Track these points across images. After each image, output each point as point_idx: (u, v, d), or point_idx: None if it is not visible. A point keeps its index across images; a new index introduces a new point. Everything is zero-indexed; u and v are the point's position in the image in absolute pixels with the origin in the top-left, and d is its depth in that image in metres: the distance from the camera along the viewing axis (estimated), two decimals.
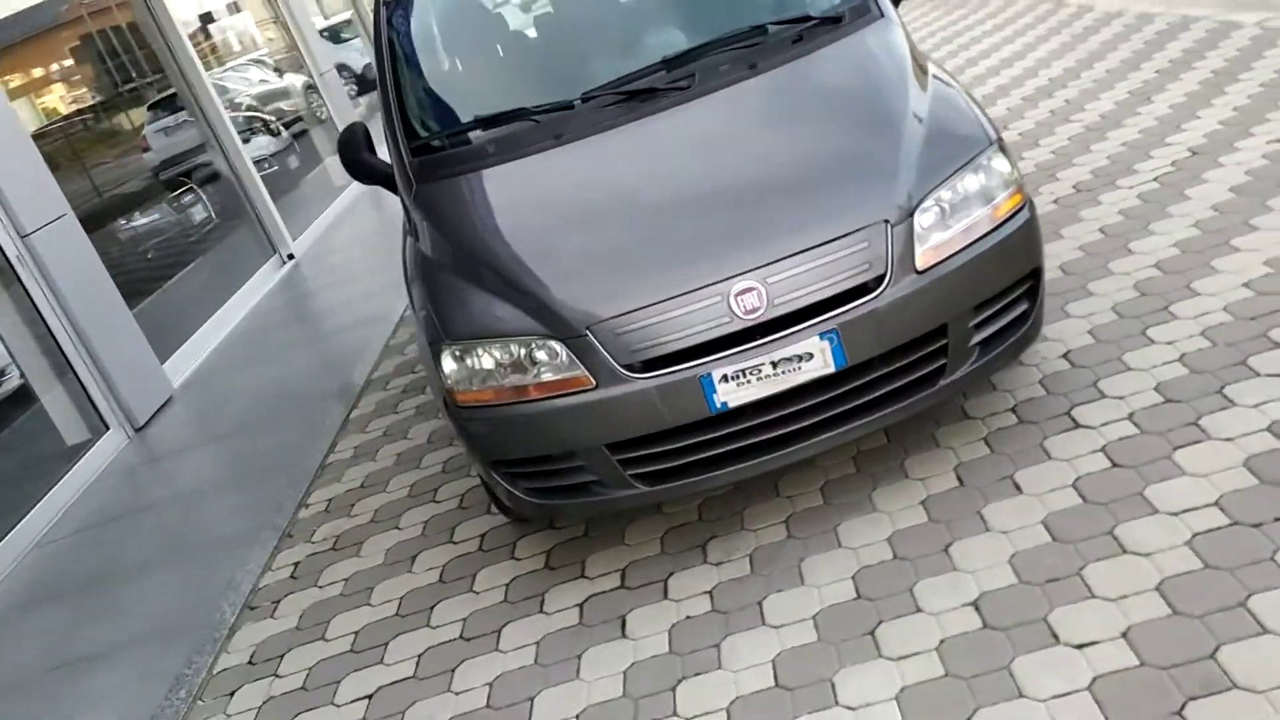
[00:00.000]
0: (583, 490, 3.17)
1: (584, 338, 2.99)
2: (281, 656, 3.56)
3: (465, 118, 3.78)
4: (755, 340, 2.94)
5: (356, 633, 3.52)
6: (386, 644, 3.40)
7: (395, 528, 4.11)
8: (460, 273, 3.33)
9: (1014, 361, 3.34)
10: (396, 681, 3.21)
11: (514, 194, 3.48)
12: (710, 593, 3.08)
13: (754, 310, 2.92)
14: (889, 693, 2.51)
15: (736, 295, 2.93)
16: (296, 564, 4.12)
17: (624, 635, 3.04)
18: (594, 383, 2.99)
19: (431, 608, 3.50)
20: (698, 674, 2.79)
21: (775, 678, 2.68)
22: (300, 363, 6.47)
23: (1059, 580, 2.65)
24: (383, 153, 3.96)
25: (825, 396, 3.00)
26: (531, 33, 4.29)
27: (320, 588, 3.88)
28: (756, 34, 3.66)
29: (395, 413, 5.21)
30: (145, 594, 4.28)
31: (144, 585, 4.35)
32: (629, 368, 2.97)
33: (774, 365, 2.93)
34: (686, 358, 2.95)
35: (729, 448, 3.04)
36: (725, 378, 2.94)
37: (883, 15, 3.67)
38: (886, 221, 2.98)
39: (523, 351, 3.07)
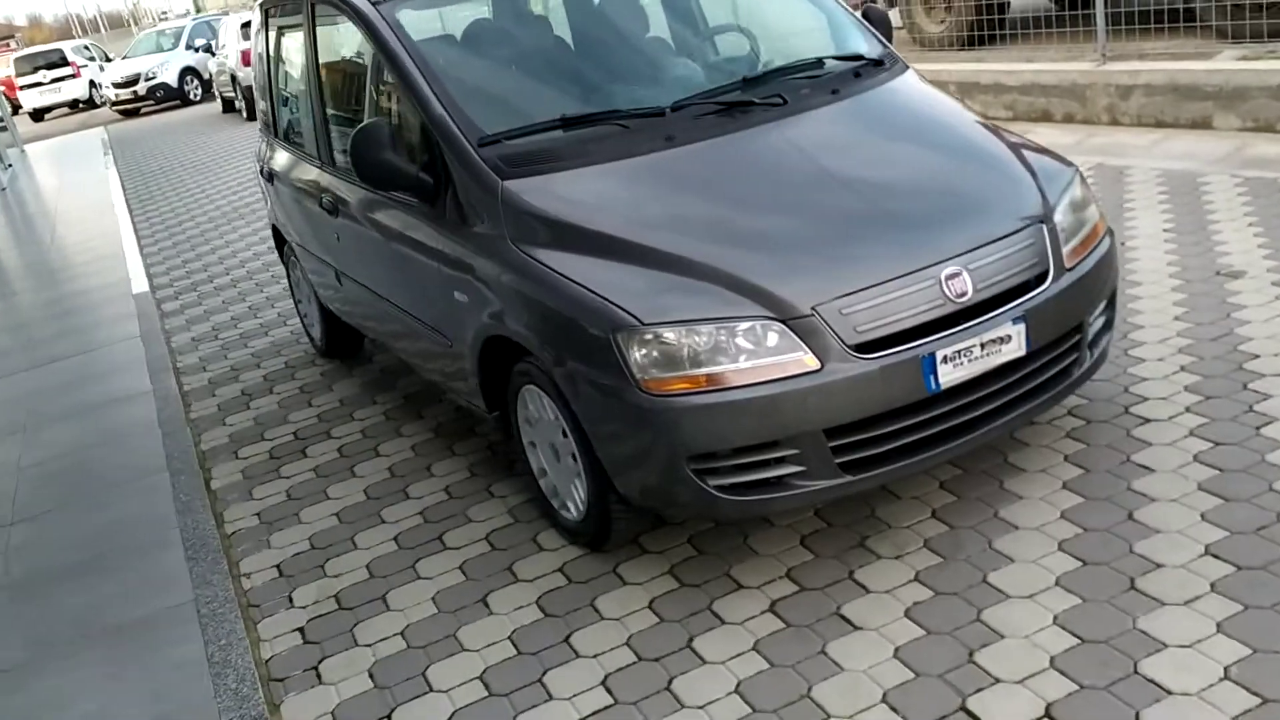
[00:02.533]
0: (779, 484, 3.01)
1: (810, 318, 2.90)
2: (389, 716, 2.92)
3: (539, 117, 3.52)
4: (961, 324, 3.03)
5: (483, 679, 2.99)
6: (540, 680, 2.94)
7: (417, 578, 3.55)
8: (619, 258, 3.09)
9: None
10: (606, 708, 2.78)
11: (664, 185, 3.30)
12: (918, 580, 3.03)
13: (963, 294, 3.03)
14: (1209, 629, 2.64)
15: (947, 279, 3.02)
16: (299, 629, 3.40)
17: (858, 628, 2.89)
18: (819, 364, 2.90)
19: (567, 638, 3.09)
20: (985, 645, 2.74)
21: (1077, 636, 2.70)
22: (42, 452, 5.29)
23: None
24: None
25: (1012, 379, 3.15)
26: (573, 41, 4.11)
27: (368, 645, 3.25)
28: (815, 66, 3.83)
29: (282, 477, 4.50)
30: (69, 691, 3.28)
31: (55, 681, 3.33)
32: (854, 348, 2.92)
33: (982, 347, 3.04)
34: (904, 339, 2.97)
35: (933, 430, 3.07)
36: (946, 358, 2.99)
37: (908, 67, 4.00)
38: (1042, 222, 3.24)
39: (725, 335, 2.90)
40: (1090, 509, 3.20)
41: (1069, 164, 3.57)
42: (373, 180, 3.57)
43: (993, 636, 2.76)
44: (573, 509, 3.47)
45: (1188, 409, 3.63)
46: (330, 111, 4.44)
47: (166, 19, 48.11)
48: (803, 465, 2.97)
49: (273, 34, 5.15)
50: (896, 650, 2.78)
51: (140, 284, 8.31)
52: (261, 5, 5.28)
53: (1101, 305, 3.43)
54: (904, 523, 3.31)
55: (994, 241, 3.12)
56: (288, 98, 5.12)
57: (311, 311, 5.68)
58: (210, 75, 22.50)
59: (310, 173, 4.67)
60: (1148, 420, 3.61)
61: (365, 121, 3.51)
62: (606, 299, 2.99)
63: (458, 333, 3.64)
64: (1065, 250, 3.27)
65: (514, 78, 3.89)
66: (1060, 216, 3.31)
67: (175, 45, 24.89)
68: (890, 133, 3.57)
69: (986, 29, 9.95)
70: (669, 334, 2.90)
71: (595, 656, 2.99)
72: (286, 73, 5.04)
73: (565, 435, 3.31)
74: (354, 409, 5.05)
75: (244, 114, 18.99)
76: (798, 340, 2.89)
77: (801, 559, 3.24)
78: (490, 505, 3.91)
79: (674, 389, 2.90)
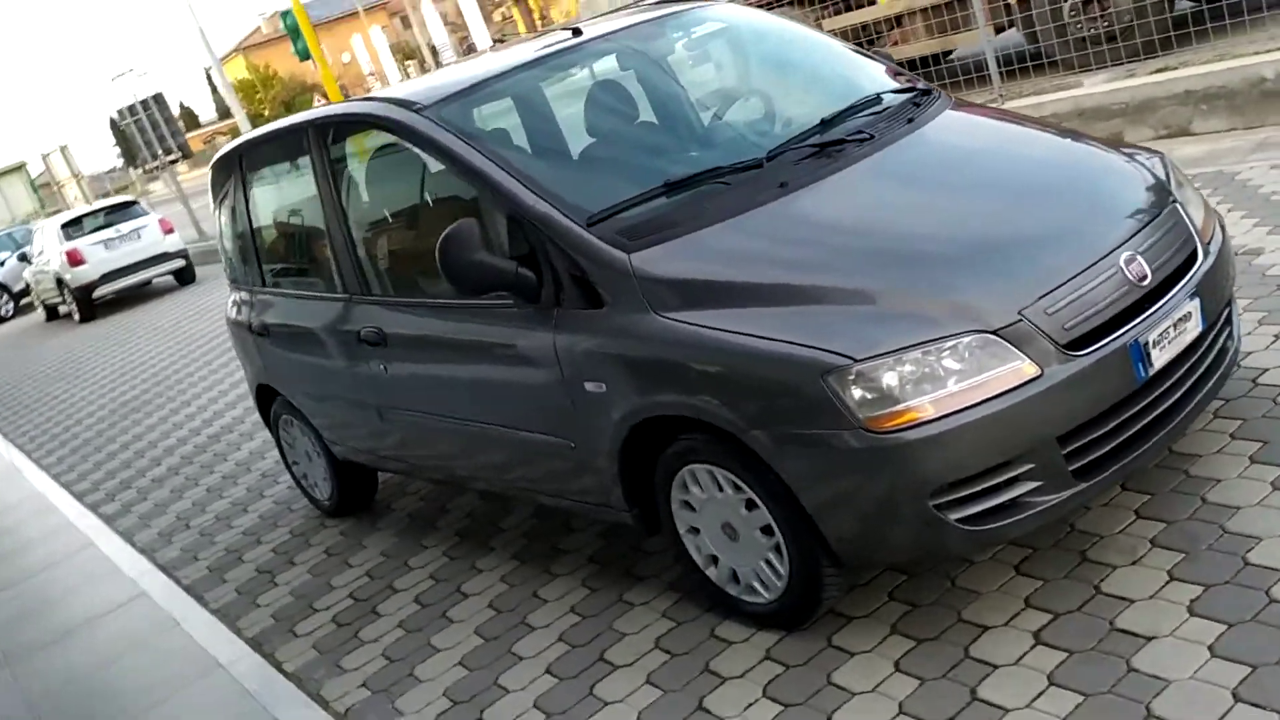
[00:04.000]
0: (1013, 507, 2.82)
1: (1019, 323, 2.77)
2: None
3: (635, 188, 3.34)
4: (1149, 307, 2.96)
5: None
6: None
7: (604, 704, 3.18)
8: (789, 303, 2.91)
9: None
10: None
11: (801, 227, 3.15)
12: (1175, 579, 2.88)
13: (1144, 277, 2.96)
14: None
15: (1126, 264, 2.95)
16: None
17: (1150, 637, 2.70)
18: (1039, 370, 2.76)
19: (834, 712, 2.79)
20: None
21: None
22: (46, 681, 4.63)
23: None
24: None
25: (1195, 357, 3.09)
26: (627, 115, 3.95)
27: None
28: (876, 102, 3.78)
29: (367, 641, 4.05)
30: None
31: None
32: (1066, 348, 2.80)
33: (1174, 327, 2.98)
34: (1107, 331, 2.87)
35: (1147, 419, 2.96)
36: (1153, 343, 2.91)
37: (951, 96, 4.00)
38: (1174, 201, 3.24)
39: (941, 356, 2.74)
40: None
41: (1156, 151, 3.60)
42: (466, 285, 3.29)
43: None
44: (763, 590, 3.19)
45: None
46: (364, 238, 4.11)
47: None
48: (1039, 480, 2.80)
49: (251, 182, 4.80)
50: (1211, 649, 2.59)
51: (58, 494, 7.57)
52: (232, 154, 4.92)
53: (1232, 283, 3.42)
54: (1113, 529, 3.17)
55: (1150, 223, 3.08)
56: (286, 241, 4.75)
57: (315, 470, 5.22)
58: (27, 285, 21.25)
59: (333, 310, 4.31)
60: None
61: (450, 225, 3.23)
62: (804, 344, 2.79)
63: (586, 429, 3.35)
64: (1198, 228, 3.25)
65: (586, 156, 3.71)
66: (1178, 196, 3.31)
67: None
68: (989, 147, 3.55)
69: None
70: (885, 366, 2.71)
71: None
72: (281, 216, 4.69)
73: (751, 508, 3.05)
74: (405, 558, 4.61)
75: (75, 317, 18.02)
76: (1013, 349, 2.75)
77: (1032, 587, 3.04)
78: (637, 614, 3.57)
79: (900, 422, 2.71)
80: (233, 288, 5.30)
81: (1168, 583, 2.87)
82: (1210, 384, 3.15)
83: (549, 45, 4.01)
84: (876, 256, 3.01)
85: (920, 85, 3.93)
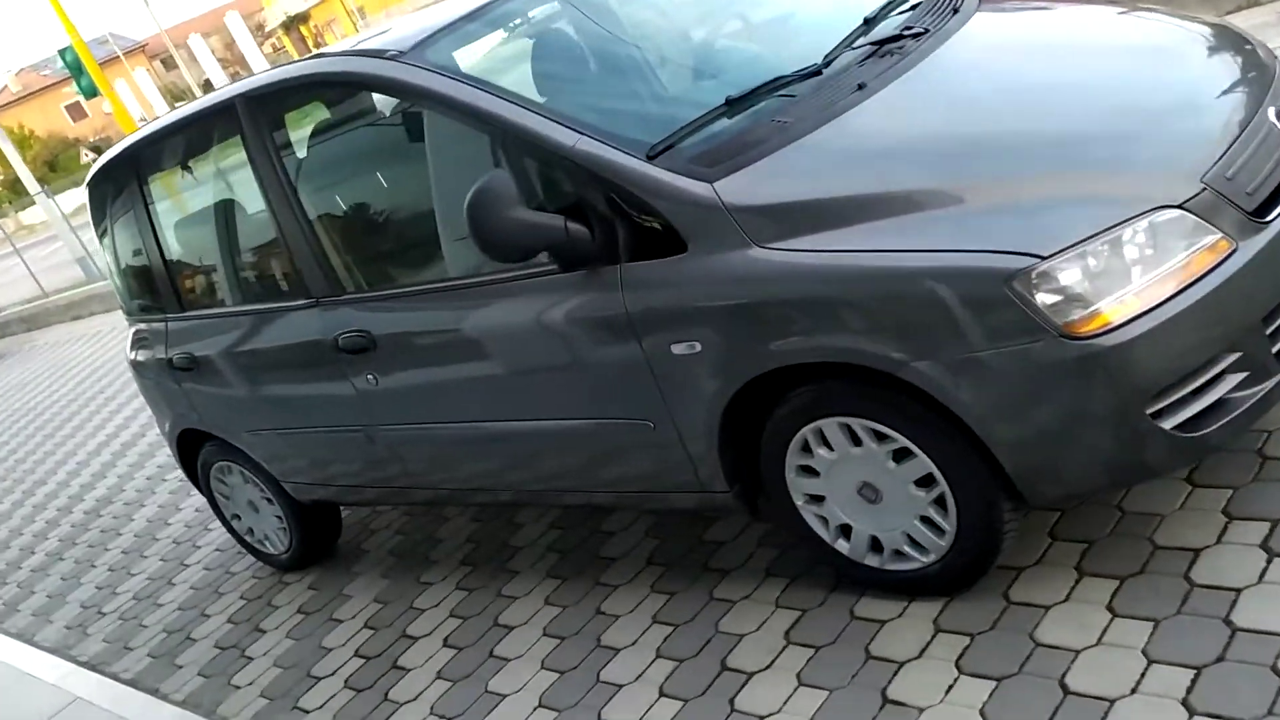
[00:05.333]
0: (1219, 408, 2.44)
1: (1204, 193, 2.41)
2: None
3: (688, 113, 2.84)
4: None
5: None
6: None
7: (763, 719, 2.66)
8: (930, 209, 2.46)
9: None
10: None
11: (907, 127, 2.69)
12: None
13: None
14: None
15: (1277, 119, 2.64)
16: None
17: None
18: (1234, 244, 2.41)
19: (1065, 689, 2.35)
20: None
21: None
22: None
23: None
24: None
25: None
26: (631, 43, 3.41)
27: None
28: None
29: (398, 702, 3.41)
30: None
31: None
32: (1253, 215, 2.46)
33: None
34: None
35: None
36: None
37: None
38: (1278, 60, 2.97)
39: (1132, 239, 2.35)
40: None
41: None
42: (505, 251, 2.73)
43: None
44: (917, 554, 2.73)
45: None
46: (331, 229, 3.44)
47: None
48: (1246, 370, 2.44)
49: (154, 187, 4.02)
50: None
51: None
52: (122, 159, 4.10)
53: None
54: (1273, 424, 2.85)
55: (1275, 80, 2.77)
56: (213, 251, 3.99)
57: (264, 521, 4.48)
58: None
59: (292, 322, 3.62)
60: None
61: (479, 181, 2.65)
62: (973, 249, 2.34)
63: (671, 401, 2.82)
64: None
65: (613, 85, 3.17)
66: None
67: None
68: (1063, 24, 3.21)
69: None
70: (1075, 260, 2.30)
71: (1133, 692, 2.28)
72: (205, 221, 3.93)
73: (901, 459, 2.60)
74: (408, 601, 3.96)
75: None
76: (1205, 223, 2.39)
77: (1222, 498, 2.70)
78: (743, 611, 3.07)
79: (1102, 323, 2.30)
80: (133, 322, 4.49)
81: None
82: None
83: None
84: (1013, 144, 2.59)
85: None
